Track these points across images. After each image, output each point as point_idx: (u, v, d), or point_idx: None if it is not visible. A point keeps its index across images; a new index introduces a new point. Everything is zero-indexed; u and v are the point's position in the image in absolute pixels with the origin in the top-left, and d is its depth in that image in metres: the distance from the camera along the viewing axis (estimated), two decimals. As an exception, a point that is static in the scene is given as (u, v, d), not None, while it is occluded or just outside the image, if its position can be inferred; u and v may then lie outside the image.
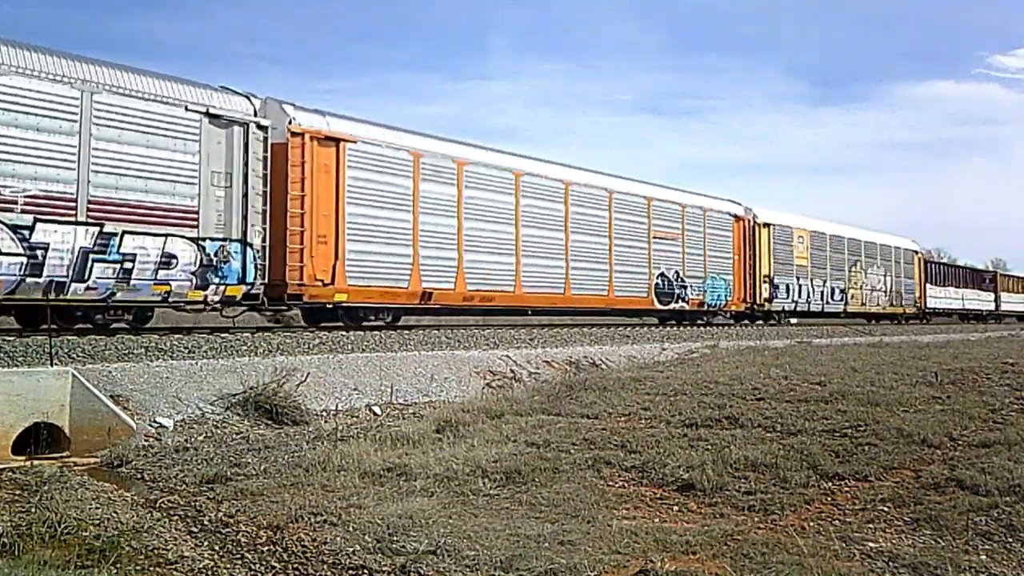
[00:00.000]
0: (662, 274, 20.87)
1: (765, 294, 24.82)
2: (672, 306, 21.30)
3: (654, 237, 20.63)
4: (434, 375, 11.14)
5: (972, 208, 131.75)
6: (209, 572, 4.36)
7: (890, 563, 4.25)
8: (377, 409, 9.72)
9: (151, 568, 4.37)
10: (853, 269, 29.77)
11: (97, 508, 5.42)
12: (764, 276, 24.80)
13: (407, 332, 14.16)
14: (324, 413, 9.15)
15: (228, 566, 4.43)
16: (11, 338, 9.46)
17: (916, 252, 35.43)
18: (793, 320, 27.21)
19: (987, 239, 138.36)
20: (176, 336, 11.01)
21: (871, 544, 4.57)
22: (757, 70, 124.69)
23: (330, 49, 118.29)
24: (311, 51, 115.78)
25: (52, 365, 8.41)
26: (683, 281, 21.54)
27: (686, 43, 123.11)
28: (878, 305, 31.29)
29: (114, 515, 5.28)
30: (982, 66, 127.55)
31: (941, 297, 38.18)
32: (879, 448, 6.41)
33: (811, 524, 4.99)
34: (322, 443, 7.29)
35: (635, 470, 6.22)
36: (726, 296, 23.15)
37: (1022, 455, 5.93)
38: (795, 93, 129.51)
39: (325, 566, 4.35)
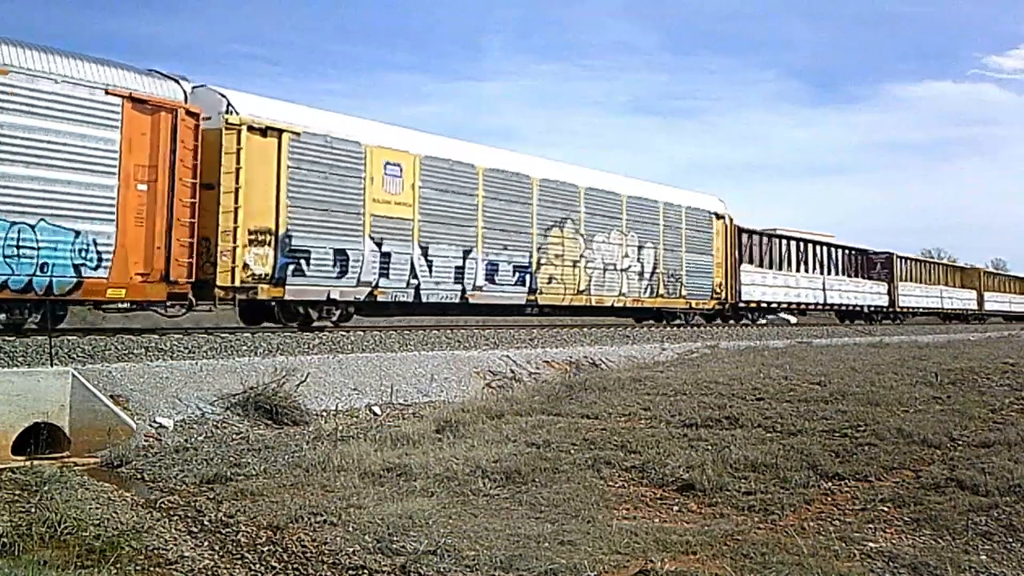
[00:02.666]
0: None
1: (260, 268, 12.21)
2: None
3: None
4: (434, 375, 11.14)
5: (971, 208, 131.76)
6: (209, 572, 4.36)
7: (890, 563, 4.25)
8: (377, 409, 9.72)
9: (151, 568, 4.38)
10: (555, 234, 17.58)
11: (97, 508, 5.43)
12: (255, 232, 12.16)
13: (407, 332, 14.15)
14: (324, 413, 9.15)
15: (228, 566, 4.43)
16: (11, 338, 9.46)
17: (718, 215, 22.90)
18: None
19: (987, 239, 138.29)
20: (176, 336, 11.00)
21: (871, 544, 4.57)
22: (752, 70, 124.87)
23: (325, 50, 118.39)
24: (307, 51, 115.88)
25: (52, 365, 8.40)
26: None
27: (681, 43, 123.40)
28: (620, 294, 19.23)
29: (114, 515, 5.28)
30: (977, 66, 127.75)
31: (777, 287, 26.00)
32: (879, 448, 6.41)
33: (811, 524, 4.99)
34: (322, 443, 7.29)
35: (635, 470, 6.22)
36: (90, 265, 10.54)
37: (1022, 455, 5.93)
38: (791, 93, 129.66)
39: (325, 566, 4.35)
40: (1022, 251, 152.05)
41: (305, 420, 8.78)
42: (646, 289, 20.32)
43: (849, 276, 31.47)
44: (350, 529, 4.86)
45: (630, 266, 19.80)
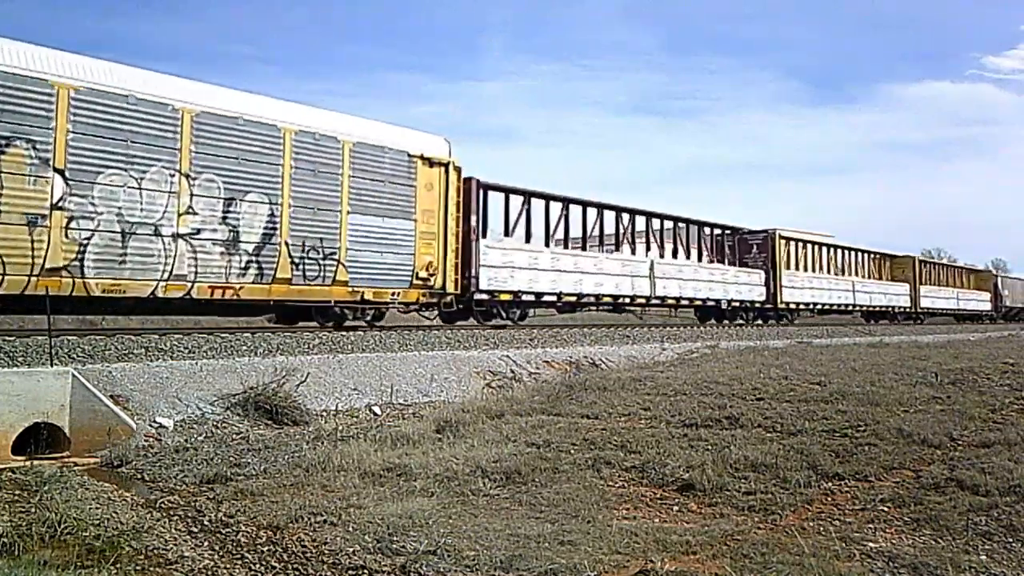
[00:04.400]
0: None
1: None
2: None
3: None
4: (434, 375, 11.14)
5: (971, 208, 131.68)
6: (209, 572, 4.36)
7: (890, 563, 4.24)
8: (377, 409, 9.73)
9: (151, 568, 4.38)
10: None
11: (97, 508, 5.43)
12: None
13: (407, 332, 14.15)
14: (324, 413, 9.15)
15: (228, 566, 4.43)
16: (11, 338, 9.46)
17: (429, 160, 14.80)
18: None
19: (988, 239, 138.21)
20: (176, 336, 11.01)
21: (871, 544, 4.57)
22: (752, 71, 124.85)
23: (324, 50, 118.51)
24: (306, 52, 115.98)
25: (52, 365, 8.41)
26: None
27: (680, 44, 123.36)
28: (170, 276, 11.46)
29: (114, 515, 5.28)
30: (975, 67, 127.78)
31: (561, 272, 18.11)
32: (879, 448, 6.41)
33: (811, 524, 4.99)
34: (322, 443, 7.29)
35: (635, 470, 6.22)
36: None
37: (1022, 455, 5.93)
38: (790, 94, 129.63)
39: (325, 566, 4.35)
40: (1022, 251, 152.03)
41: (305, 420, 8.79)
42: (244, 270, 12.30)
43: (707, 261, 24.24)
44: (350, 529, 4.86)
45: (201, 230, 11.79)
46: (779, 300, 26.07)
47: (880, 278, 33.84)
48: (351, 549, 4.53)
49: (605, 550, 4.46)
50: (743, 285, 24.89)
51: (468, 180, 16.06)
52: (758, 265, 25.96)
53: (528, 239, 18.31)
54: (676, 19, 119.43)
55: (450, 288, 15.20)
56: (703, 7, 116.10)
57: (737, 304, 24.57)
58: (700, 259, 23.78)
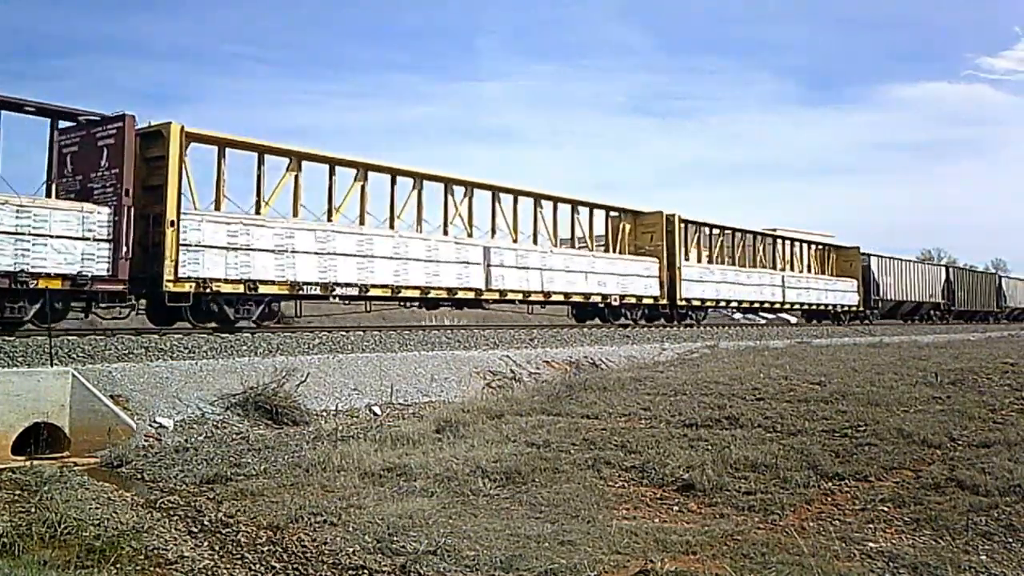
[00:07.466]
0: None
1: None
2: None
3: None
4: (434, 375, 11.14)
5: (971, 208, 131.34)
6: (209, 572, 4.36)
7: (890, 563, 4.24)
8: (377, 409, 9.73)
9: (151, 568, 4.38)
10: None
11: (97, 508, 5.43)
12: None
13: (407, 332, 14.15)
14: (324, 413, 9.16)
15: (228, 566, 4.43)
16: (11, 338, 9.46)
17: None
18: None
19: (988, 239, 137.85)
20: (176, 336, 11.00)
21: (871, 544, 4.57)
22: (750, 71, 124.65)
23: (323, 51, 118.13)
24: (306, 52, 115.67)
25: (52, 365, 8.40)
26: None
27: (678, 44, 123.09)
28: None
29: (114, 515, 5.28)
30: (971, 67, 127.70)
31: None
32: (879, 448, 6.40)
33: (811, 524, 4.99)
34: (322, 443, 7.29)
35: (635, 470, 6.22)
36: None
37: (1022, 455, 5.92)
38: (787, 95, 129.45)
39: (325, 566, 4.35)
40: (1022, 251, 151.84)
41: (305, 420, 8.79)
42: None
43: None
44: (350, 529, 4.86)
45: None
46: (291, 283, 12.74)
47: (610, 248, 20.65)
48: (351, 549, 4.53)
49: (605, 550, 4.46)
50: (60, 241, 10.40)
51: None
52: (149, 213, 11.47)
53: None
54: (674, 20, 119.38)
55: None
56: (700, 8, 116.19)
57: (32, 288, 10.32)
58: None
